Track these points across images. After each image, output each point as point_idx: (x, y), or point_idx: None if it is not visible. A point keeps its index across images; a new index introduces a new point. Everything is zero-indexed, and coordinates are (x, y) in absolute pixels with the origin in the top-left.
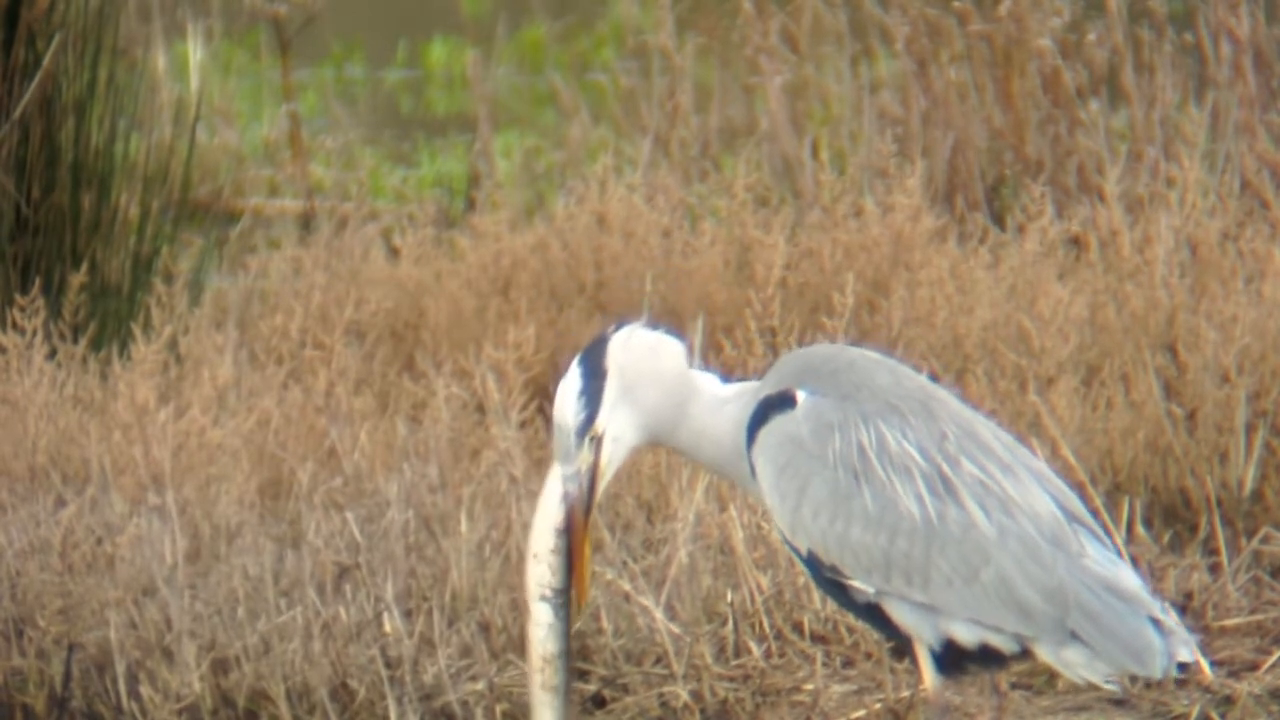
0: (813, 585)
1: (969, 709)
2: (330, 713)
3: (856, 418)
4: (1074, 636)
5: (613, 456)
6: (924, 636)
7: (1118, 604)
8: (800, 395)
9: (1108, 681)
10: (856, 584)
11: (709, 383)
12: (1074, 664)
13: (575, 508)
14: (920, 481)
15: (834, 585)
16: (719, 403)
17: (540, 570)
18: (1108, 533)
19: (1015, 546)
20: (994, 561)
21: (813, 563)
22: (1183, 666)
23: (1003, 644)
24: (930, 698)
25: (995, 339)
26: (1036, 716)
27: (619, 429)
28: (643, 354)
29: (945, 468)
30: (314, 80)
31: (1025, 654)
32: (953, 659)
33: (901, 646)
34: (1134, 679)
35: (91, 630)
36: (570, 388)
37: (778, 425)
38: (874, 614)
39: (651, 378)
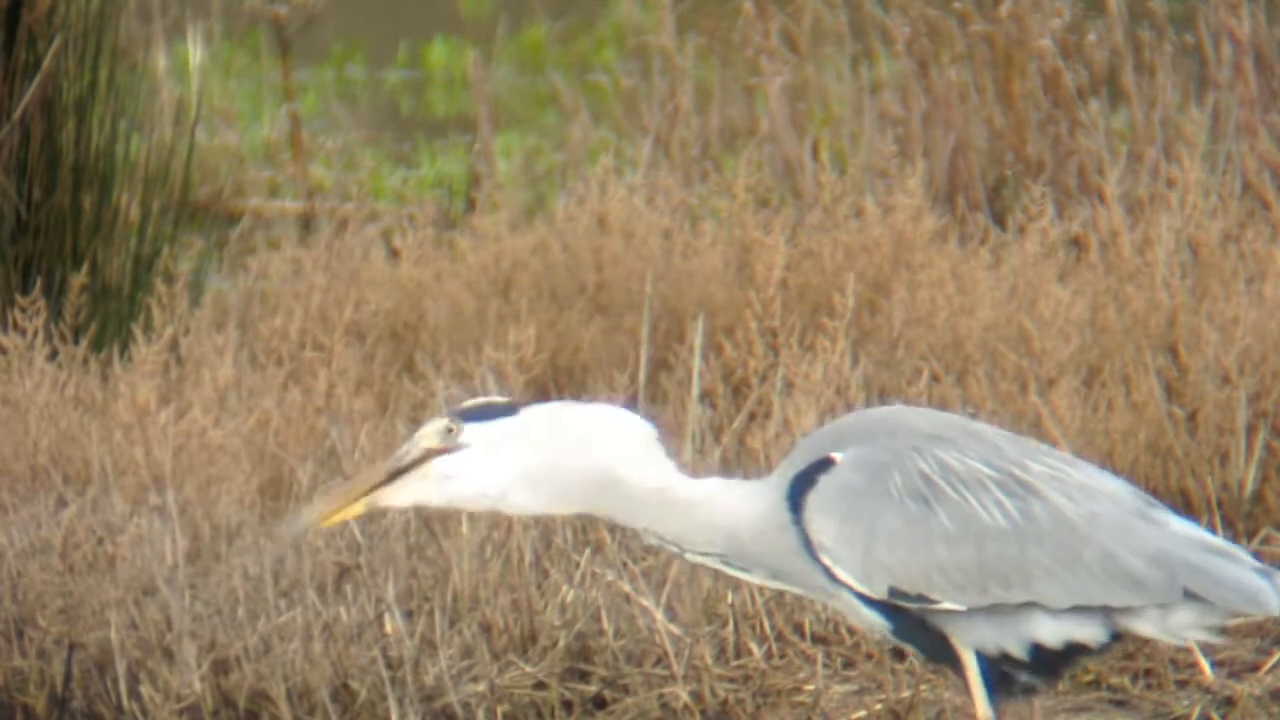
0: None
1: (969, 709)
2: (331, 713)
3: (909, 452)
4: (1187, 595)
5: (436, 493)
6: (1010, 649)
7: (1218, 558)
8: (837, 456)
9: (1211, 636)
10: (947, 605)
11: (666, 470)
12: (1180, 626)
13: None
14: (996, 489)
15: (922, 626)
16: (718, 498)
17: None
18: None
19: (1109, 524)
20: (1093, 541)
21: (893, 601)
22: None
23: (1092, 636)
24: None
25: (996, 340)
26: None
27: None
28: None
29: (1016, 471)
30: (314, 81)
31: (1114, 642)
32: (1044, 663)
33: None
34: (1135, 678)
35: (92, 630)
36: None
37: (827, 484)
38: (946, 647)
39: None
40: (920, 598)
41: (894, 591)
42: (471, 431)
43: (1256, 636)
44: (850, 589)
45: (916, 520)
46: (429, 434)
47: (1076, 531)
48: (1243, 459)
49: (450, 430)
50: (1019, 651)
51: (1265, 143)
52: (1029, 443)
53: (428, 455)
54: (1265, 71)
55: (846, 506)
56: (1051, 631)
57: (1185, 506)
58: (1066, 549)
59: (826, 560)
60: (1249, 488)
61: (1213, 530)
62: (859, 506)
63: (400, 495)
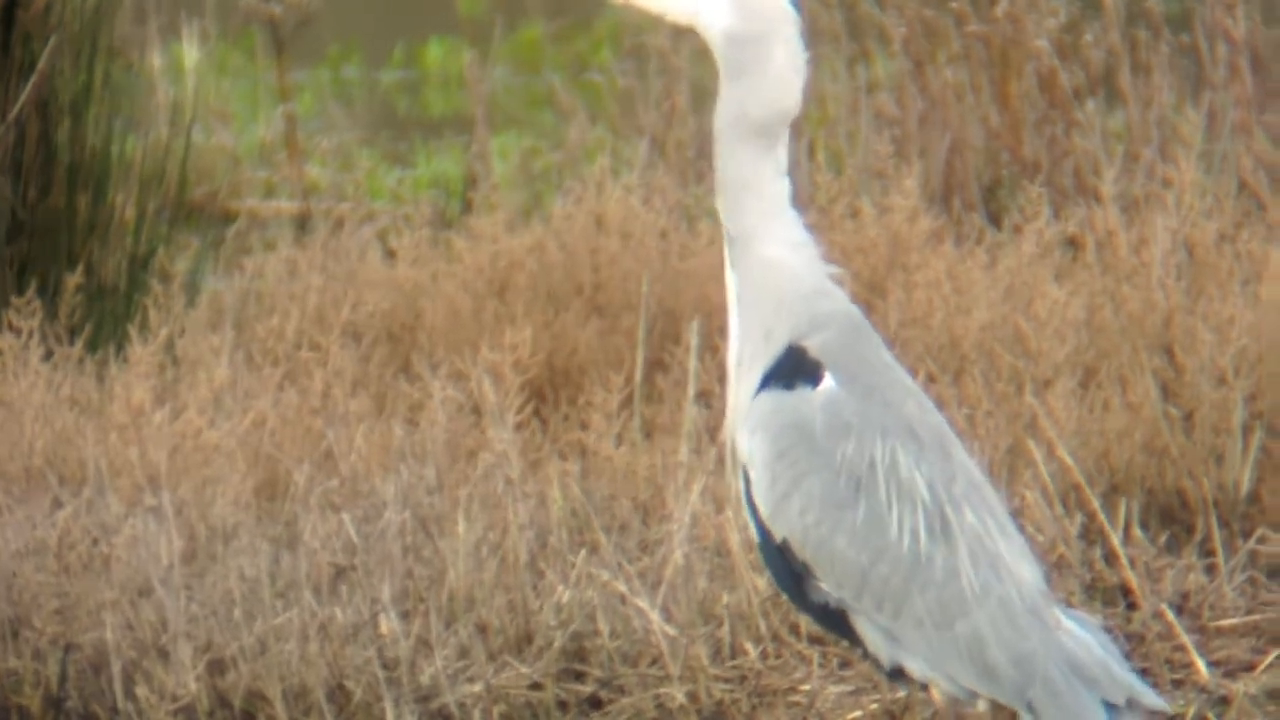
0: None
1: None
2: (327, 714)
3: (876, 429)
4: (1030, 708)
5: None
6: (880, 655)
7: (1080, 686)
8: (828, 378)
9: None
10: (823, 586)
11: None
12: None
13: None
14: (920, 515)
15: (794, 579)
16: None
17: None
18: (1103, 536)
19: (995, 607)
20: (971, 617)
21: (783, 552)
22: None
23: (951, 691)
24: (940, 708)
25: (992, 340)
26: None
27: None
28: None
29: (948, 510)
30: (310, 81)
31: (976, 699)
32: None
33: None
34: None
35: (87, 631)
36: None
37: (793, 404)
38: (831, 617)
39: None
40: (806, 567)
41: (786, 545)
42: None
43: (1252, 636)
44: (752, 512)
45: (836, 502)
46: None
47: (960, 600)
48: (1239, 459)
49: None
50: (886, 664)
51: (1261, 143)
52: (987, 492)
53: None
54: (1261, 72)
55: (788, 443)
56: (919, 667)
57: (1181, 506)
58: (944, 612)
59: (752, 474)
60: (1245, 488)
61: (1208, 531)
62: (798, 451)
63: None
